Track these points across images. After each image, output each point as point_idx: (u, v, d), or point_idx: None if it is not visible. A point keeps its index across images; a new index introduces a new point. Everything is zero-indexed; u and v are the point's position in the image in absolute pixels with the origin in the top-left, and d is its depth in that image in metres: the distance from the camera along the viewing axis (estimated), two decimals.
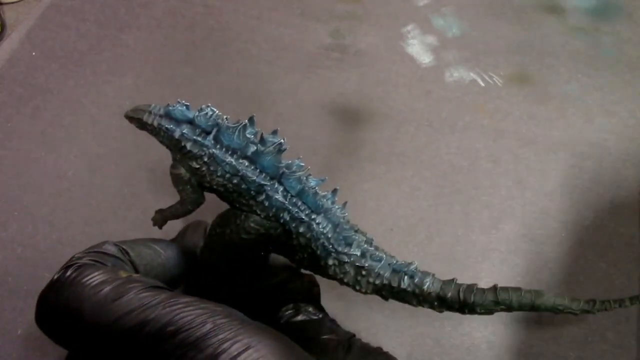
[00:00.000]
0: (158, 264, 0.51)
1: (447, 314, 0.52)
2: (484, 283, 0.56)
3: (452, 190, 0.74)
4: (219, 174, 0.49)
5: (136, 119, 0.52)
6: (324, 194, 0.51)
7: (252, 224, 0.51)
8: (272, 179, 0.49)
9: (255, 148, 0.49)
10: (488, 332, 0.62)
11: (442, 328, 0.63)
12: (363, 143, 0.79)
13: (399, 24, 0.93)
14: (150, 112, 0.51)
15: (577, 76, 0.85)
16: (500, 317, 0.63)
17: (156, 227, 0.58)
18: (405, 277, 0.51)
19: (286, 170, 0.49)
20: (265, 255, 0.56)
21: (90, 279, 0.39)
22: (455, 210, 0.72)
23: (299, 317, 0.54)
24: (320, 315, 0.55)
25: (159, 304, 0.37)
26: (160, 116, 0.51)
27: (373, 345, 0.53)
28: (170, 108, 0.50)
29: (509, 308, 0.49)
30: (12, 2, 1.01)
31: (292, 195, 0.50)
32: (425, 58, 0.89)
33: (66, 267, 0.41)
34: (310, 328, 0.53)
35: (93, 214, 0.73)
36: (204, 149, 0.49)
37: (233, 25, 0.94)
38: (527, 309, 0.49)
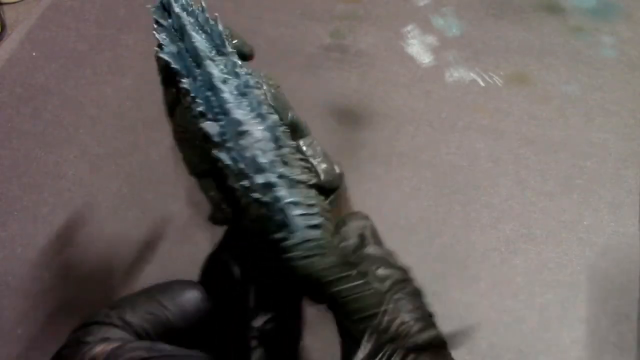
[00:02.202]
0: (160, 322, 0.42)
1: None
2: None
3: (452, 190, 0.74)
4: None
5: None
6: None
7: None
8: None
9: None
10: (488, 332, 0.62)
11: (442, 327, 0.63)
12: (363, 143, 0.79)
13: (399, 24, 0.93)
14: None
15: (577, 76, 0.85)
16: (500, 317, 0.63)
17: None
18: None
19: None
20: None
21: None
22: (455, 210, 0.72)
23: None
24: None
25: None
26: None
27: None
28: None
29: None
30: (12, 2, 1.02)
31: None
32: (425, 58, 0.89)
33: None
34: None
35: (93, 214, 0.73)
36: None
37: (233, 25, 0.94)
38: None
